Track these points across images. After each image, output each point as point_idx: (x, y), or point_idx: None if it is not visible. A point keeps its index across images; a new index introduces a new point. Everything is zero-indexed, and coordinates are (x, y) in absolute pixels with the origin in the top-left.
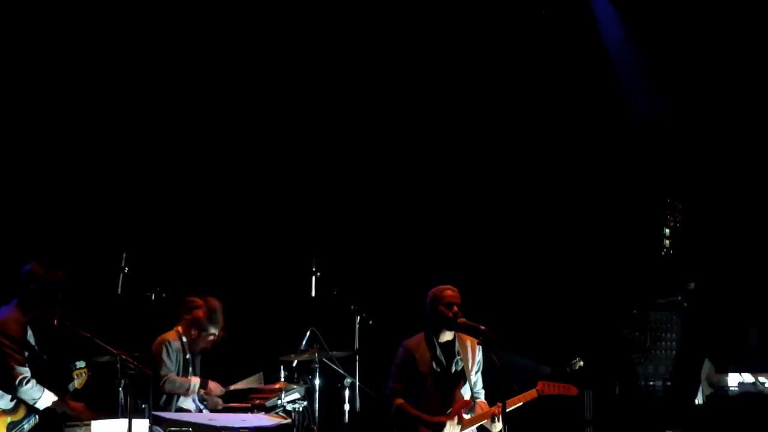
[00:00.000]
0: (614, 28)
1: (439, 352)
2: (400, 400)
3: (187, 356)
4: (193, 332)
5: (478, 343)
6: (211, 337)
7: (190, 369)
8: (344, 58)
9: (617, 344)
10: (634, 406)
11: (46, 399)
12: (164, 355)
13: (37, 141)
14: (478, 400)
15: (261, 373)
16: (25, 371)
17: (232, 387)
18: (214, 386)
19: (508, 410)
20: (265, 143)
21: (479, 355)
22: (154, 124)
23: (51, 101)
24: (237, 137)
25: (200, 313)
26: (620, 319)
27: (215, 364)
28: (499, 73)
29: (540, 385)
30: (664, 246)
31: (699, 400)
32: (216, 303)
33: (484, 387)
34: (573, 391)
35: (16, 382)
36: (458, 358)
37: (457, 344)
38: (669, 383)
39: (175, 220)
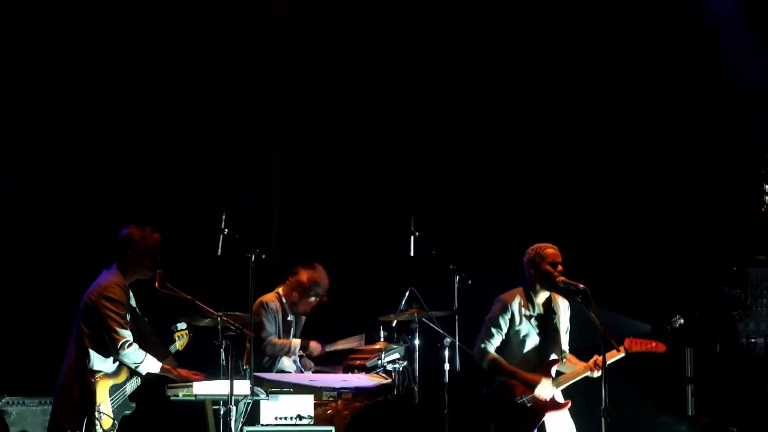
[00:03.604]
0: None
1: (537, 309)
2: (493, 354)
3: (289, 318)
4: (294, 295)
5: (579, 303)
6: (312, 301)
7: (292, 330)
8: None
9: (717, 301)
10: (734, 364)
11: (148, 363)
12: (263, 318)
13: (136, 103)
14: (566, 354)
15: (363, 334)
16: (128, 335)
17: (332, 348)
18: (315, 346)
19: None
20: (364, 103)
21: (568, 315)
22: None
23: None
24: (335, 97)
25: (304, 277)
26: (720, 276)
27: (316, 324)
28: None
29: (627, 342)
30: (764, 202)
31: None
32: (322, 271)
33: (582, 346)
34: (660, 347)
35: (118, 345)
36: (554, 317)
37: (551, 303)
38: None
39: (270, 181)
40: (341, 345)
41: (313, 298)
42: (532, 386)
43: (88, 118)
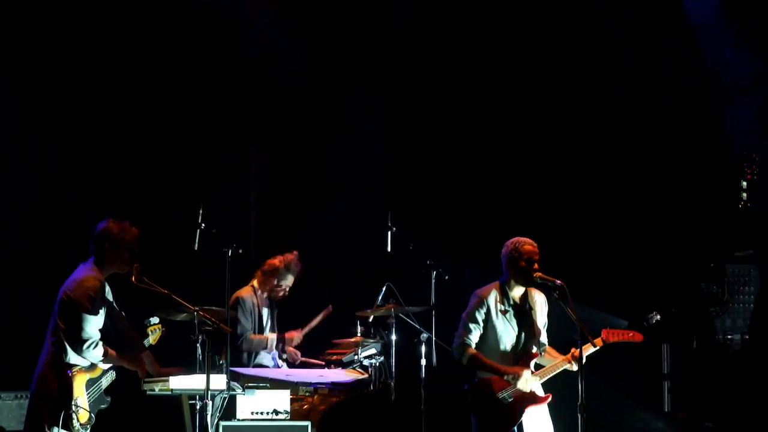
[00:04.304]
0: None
1: (513, 303)
2: (473, 350)
3: (262, 310)
4: (266, 280)
5: (555, 298)
6: (284, 286)
7: (267, 324)
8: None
9: (695, 298)
10: (711, 360)
11: (109, 358)
12: (239, 314)
13: (114, 99)
14: (546, 347)
15: (329, 306)
16: (94, 335)
17: (307, 329)
18: (292, 335)
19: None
20: (342, 97)
21: (546, 309)
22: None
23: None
24: (313, 91)
25: (276, 261)
26: (697, 272)
27: (292, 320)
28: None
29: (604, 333)
30: (742, 199)
31: None
32: (293, 256)
33: (560, 341)
34: (637, 337)
35: (84, 346)
36: (531, 312)
37: (528, 297)
38: (747, 337)
39: (249, 176)
40: (314, 323)
41: (287, 280)
42: (513, 379)
43: (75, 118)
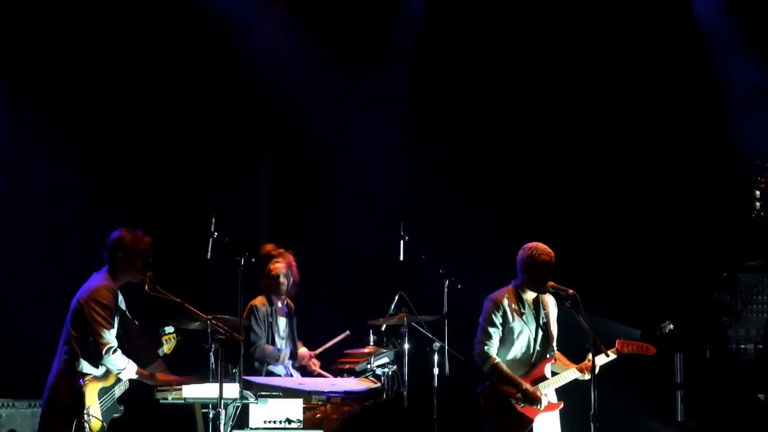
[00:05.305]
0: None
1: (527, 307)
2: (495, 360)
3: (278, 320)
4: (263, 283)
5: (568, 307)
6: (281, 283)
7: (285, 334)
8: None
9: (707, 307)
10: (724, 370)
11: (130, 370)
12: (252, 322)
13: (125, 105)
14: (555, 352)
15: (347, 331)
16: (112, 341)
17: (319, 350)
18: (303, 354)
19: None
20: (352, 104)
21: (556, 313)
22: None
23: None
24: (324, 98)
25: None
26: (710, 281)
27: (305, 328)
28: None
29: (618, 344)
30: (755, 208)
31: None
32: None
33: (571, 350)
34: (651, 350)
35: (103, 351)
36: (543, 312)
37: (541, 300)
38: (760, 346)
39: (260, 184)
40: (328, 345)
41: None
42: (533, 402)
43: (87, 126)
